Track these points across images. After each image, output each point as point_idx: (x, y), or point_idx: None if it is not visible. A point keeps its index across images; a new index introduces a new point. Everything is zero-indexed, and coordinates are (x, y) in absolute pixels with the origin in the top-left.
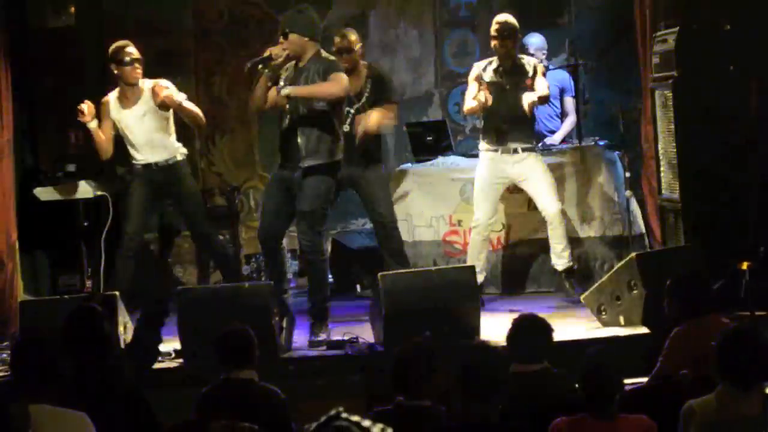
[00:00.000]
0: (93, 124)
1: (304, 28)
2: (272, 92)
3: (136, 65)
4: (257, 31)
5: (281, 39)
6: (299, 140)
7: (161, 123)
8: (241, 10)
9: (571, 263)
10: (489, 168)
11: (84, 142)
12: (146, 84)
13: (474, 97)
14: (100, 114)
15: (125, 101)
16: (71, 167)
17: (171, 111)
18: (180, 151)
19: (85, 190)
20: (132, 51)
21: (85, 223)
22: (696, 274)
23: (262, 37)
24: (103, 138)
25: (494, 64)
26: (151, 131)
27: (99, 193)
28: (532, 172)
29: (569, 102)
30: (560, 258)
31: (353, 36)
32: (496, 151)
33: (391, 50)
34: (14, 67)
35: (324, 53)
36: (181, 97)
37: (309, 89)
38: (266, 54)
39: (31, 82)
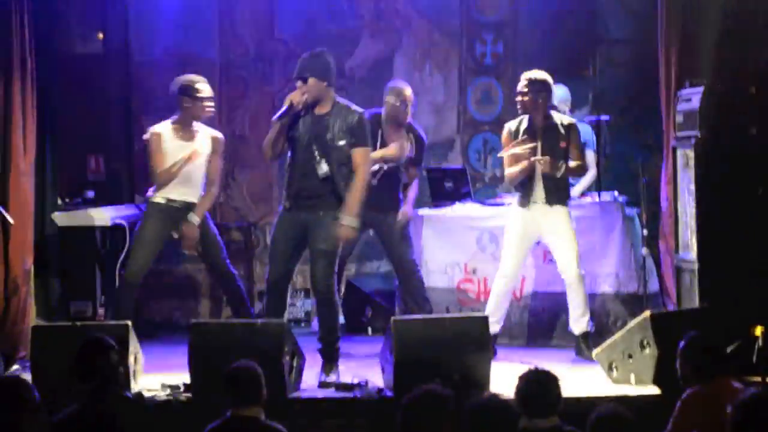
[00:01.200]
0: None
1: (322, 73)
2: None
3: (207, 103)
4: (282, 68)
5: (299, 83)
6: (315, 181)
7: (202, 169)
8: (267, 46)
9: (587, 329)
10: (521, 221)
11: (104, 170)
12: (205, 129)
13: (509, 160)
14: (152, 146)
15: (181, 134)
16: (90, 194)
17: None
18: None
19: (102, 217)
20: (205, 88)
21: (101, 251)
22: (709, 336)
23: (286, 75)
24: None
25: (525, 123)
26: (191, 173)
27: (117, 221)
28: (558, 230)
29: (590, 156)
30: (578, 323)
31: (408, 91)
32: (526, 206)
33: (414, 94)
34: (40, 91)
35: (342, 102)
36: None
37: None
38: (287, 104)
39: (56, 108)
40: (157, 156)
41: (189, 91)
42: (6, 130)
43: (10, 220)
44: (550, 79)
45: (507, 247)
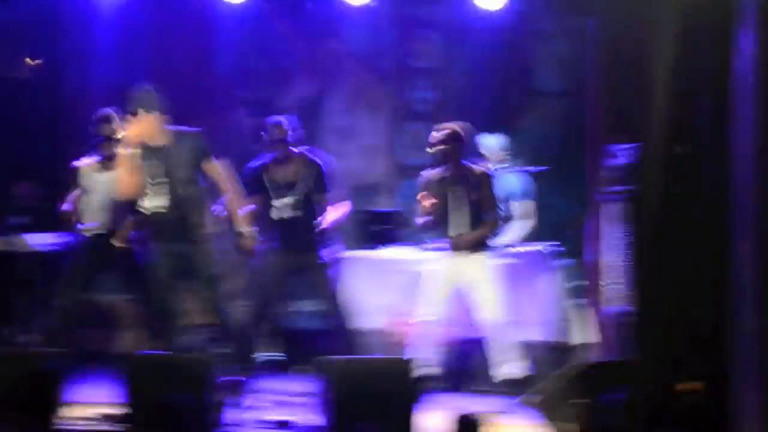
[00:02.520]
0: None
1: (151, 105)
2: None
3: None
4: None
5: (129, 117)
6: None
7: None
8: (200, 80)
9: (514, 374)
10: (437, 265)
11: (31, 196)
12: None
13: (423, 209)
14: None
15: (103, 166)
16: (18, 221)
17: None
18: None
19: (29, 244)
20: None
21: (28, 278)
22: (637, 389)
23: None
24: None
25: (442, 173)
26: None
27: (44, 248)
28: (478, 276)
29: (530, 205)
30: (504, 369)
31: (286, 124)
32: (445, 251)
33: (345, 136)
34: None
35: (179, 129)
36: None
37: None
38: (119, 138)
39: None
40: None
41: (99, 126)
42: None
43: None
44: (461, 131)
45: (424, 289)
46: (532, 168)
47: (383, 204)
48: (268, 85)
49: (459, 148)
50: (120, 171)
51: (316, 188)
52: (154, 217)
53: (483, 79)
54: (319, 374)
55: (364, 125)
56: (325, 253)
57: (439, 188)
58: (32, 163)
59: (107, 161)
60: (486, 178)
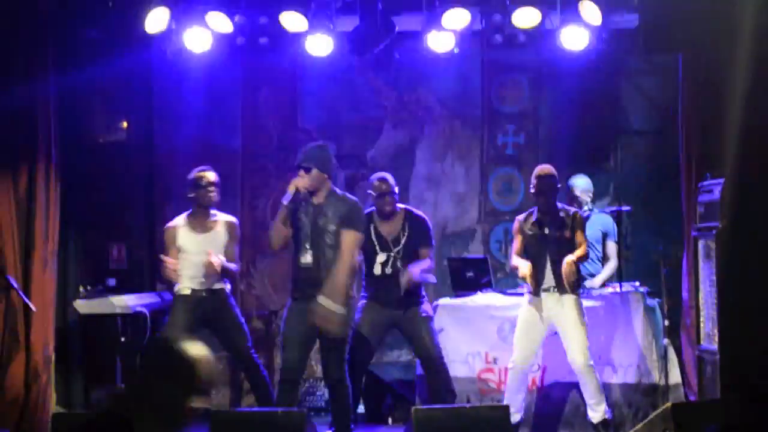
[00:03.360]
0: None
1: (324, 164)
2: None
3: (210, 189)
4: None
5: (302, 173)
6: (322, 275)
7: (222, 256)
8: (290, 135)
9: (605, 416)
10: (530, 310)
11: (126, 257)
12: (221, 217)
13: (517, 262)
14: (167, 242)
15: (196, 226)
16: (111, 282)
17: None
18: (226, 285)
19: (123, 305)
20: (208, 175)
21: (123, 339)
22: (732, 429)
23: None
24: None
25: (534, 216)
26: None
27: (138, 309)
28: (567, 318)
29: (611, 246)
30: (594, 411)
31: (391, 179)
32: (537, 294)
33: (435, 183)
34: (63, 179)
35: (338, 192)
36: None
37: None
38: (292, 189)
39: (79, 195)
40: (170, 251)
41: (192, 182)
42: (29, 218)
43: (33, 307)
44: (555, 173)
45: (518, 335)
46: (616, 208)
47: (475, 251)
48: (358, 138)
49: (553, 191)
50: (276, 222)
51: (421, 243)
52: (302, 273)
53: (571, 121)
54: (413, 424)
55: (455, 172)
56: (426, 308)
57: (532, 231)
58: (126, 225)
59: (201, 220)
60: (578, 217)
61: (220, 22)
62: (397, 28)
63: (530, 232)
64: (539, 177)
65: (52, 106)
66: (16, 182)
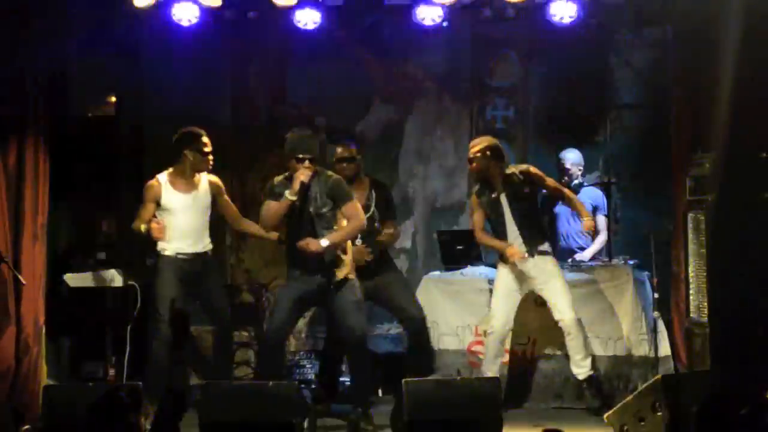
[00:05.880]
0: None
1: (317, 152)
2: (313, 244)
3: (209, 157)
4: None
5: (307, 164)
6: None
7: (205, 217)
8: (279, 109)
9: (591, 372)
10: (508, 275)
11: (116, 231)
12: (203, 176)
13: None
14: (146, 198)
15: (180, 186)
16: (101, 255)
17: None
18: (210, 246)
19: (114, 278)
20: (207, 141)
21: (113, 312)
22: (723, 399)
23: None
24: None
25: (483, 186)
26: (195, 222)
27: (128, 282)
28: (548, 278)
29: (601, 220)
30: (580, 367)
31: (354, 147)
32: (507, 261)
33: (425, 157)
34: (52, 153)
35: (320, 170)
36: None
37: (343, 235)
38: (298, 183)
39: (68, 170)
40: (146, 206)
41: (189, 142)
42: (19, 193)
43: (23, 280)
44: (490, 142)
45: (494, 303)
46: (606, 181)
47: (465, 224)
48: (347, 112)
49: (497, 157)
50: (277, 211)
51: (386, 213)
52: (299, 254)
53: (561, 94)
54: (404, 396)
55: (444, 146)
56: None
57: (487, 198)
58: (116, 198)
59: (187, 179)
60: (529, 171)
61: None
62: (385, 2)
63: (486, 201)
64: (474, 146)
65: (41, 80)
66: (5, 156)
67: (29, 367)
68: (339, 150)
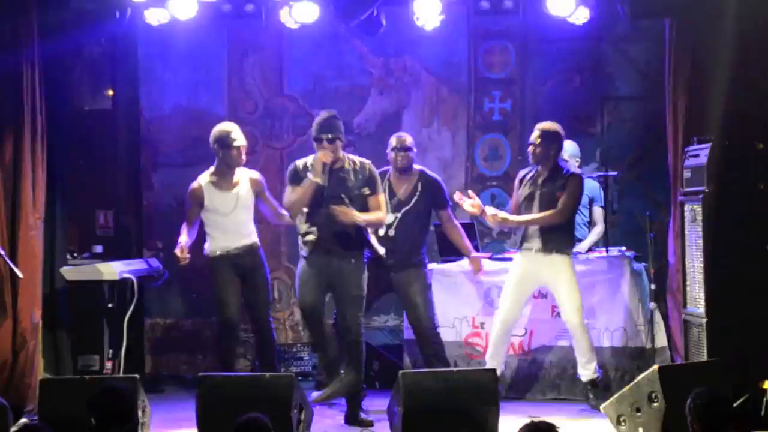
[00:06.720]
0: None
1: (342, 132)
2: (350, 213)
3: (239, 150)
4: (290, 124)
5: (326, 144)
6: (342, 229)
7: (249, 213)
8: (276, 102)
9: (595, 375)
10: (519, 267)
11: (113, 224)
12: (244, 174)
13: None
14: (191, 202)
15: (222, 184)
16: (99, 249)
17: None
18: (256, 238)
19: (110, 271)
20: (236, 135)
21: (110, 305)
22: (718, 391)
23: (294, 131)
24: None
25: (533, 171)
26: (240, 218)
27: (125, 275)
28: (558, 278)
29: (598, 211)
30: (585, 369)
31: (410, 138)
32: (529, 250)
33: (422, 150)
34: (50, 147)
35: (349, 155)
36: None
37: (372, 220)
38: (321, 166)
39: (65, 163)
40: (192, 211)
41: (220, 140)
42: (16, 186)
43: (19, 274)
44: (561, 130)
45: (504, 291)
46: (603, 173)
47: (462, 216)
48: (344, 104)
49: (556, 149)
50: (302, 197)
51: (435, 203)
52: (329, 231)
53: (558, 86)
54: (400, 388)
55: (442, 138)
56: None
57: (527, 185)
58: (113, 192)
59: (227, 178)
60: (572, 179)
61: None
62: None
63: (524, 186)
64: (539, 130)
65: (38, 74)
66: (1, 150)
67: (26, 360)
68: (395, 140)
